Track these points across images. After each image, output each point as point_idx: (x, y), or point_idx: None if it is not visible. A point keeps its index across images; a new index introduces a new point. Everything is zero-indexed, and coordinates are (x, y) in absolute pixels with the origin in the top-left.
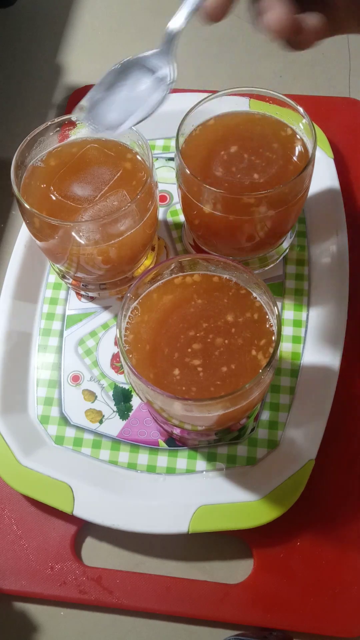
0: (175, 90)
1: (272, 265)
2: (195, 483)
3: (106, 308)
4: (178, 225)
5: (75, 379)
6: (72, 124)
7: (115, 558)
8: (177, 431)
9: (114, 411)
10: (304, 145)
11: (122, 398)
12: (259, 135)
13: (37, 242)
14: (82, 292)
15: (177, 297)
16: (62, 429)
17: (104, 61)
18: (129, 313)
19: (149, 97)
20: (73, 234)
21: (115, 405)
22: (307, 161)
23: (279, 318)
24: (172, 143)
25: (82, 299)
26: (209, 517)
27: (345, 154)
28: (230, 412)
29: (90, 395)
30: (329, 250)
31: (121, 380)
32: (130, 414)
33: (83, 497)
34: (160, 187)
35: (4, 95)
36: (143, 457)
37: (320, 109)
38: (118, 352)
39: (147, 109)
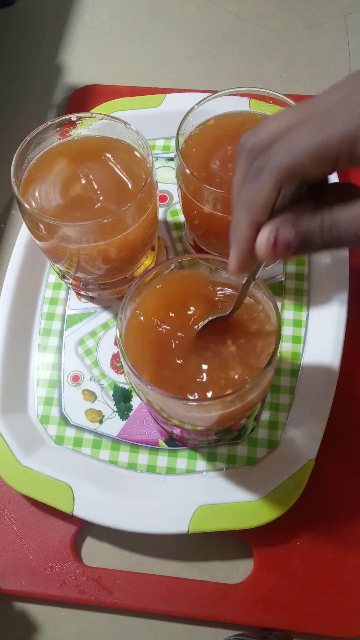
0: (175, 90)
1: (272, 265)
2: (195, 483)
3: (106, 308)
4: (178, 225)
5: (75, 379)
6: (72, 123)
7: (115, 558)
8: (177, 431)
9: (114, 411)
10: None
11: (122, 398)
12: None
13: (37, 242)
14: (82, 292)
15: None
16: (62, 429)
17: (104, 61)
18: (128, 313)
19: None
20: (73, 234)
21: (115, 405)
22: None
23: (279, 318)
24: (172, 143)
25: (82, 299)
26: (209, 517)
27: None
28: (230, 412)
29: (90, 395)
30: None
31: (121, 380)
32: (130, 414)
33: (83, 497)
34: (160, 187)
35: (4, 95)
36: (143, 457)
37: None
38: (118, 352)
39: None
